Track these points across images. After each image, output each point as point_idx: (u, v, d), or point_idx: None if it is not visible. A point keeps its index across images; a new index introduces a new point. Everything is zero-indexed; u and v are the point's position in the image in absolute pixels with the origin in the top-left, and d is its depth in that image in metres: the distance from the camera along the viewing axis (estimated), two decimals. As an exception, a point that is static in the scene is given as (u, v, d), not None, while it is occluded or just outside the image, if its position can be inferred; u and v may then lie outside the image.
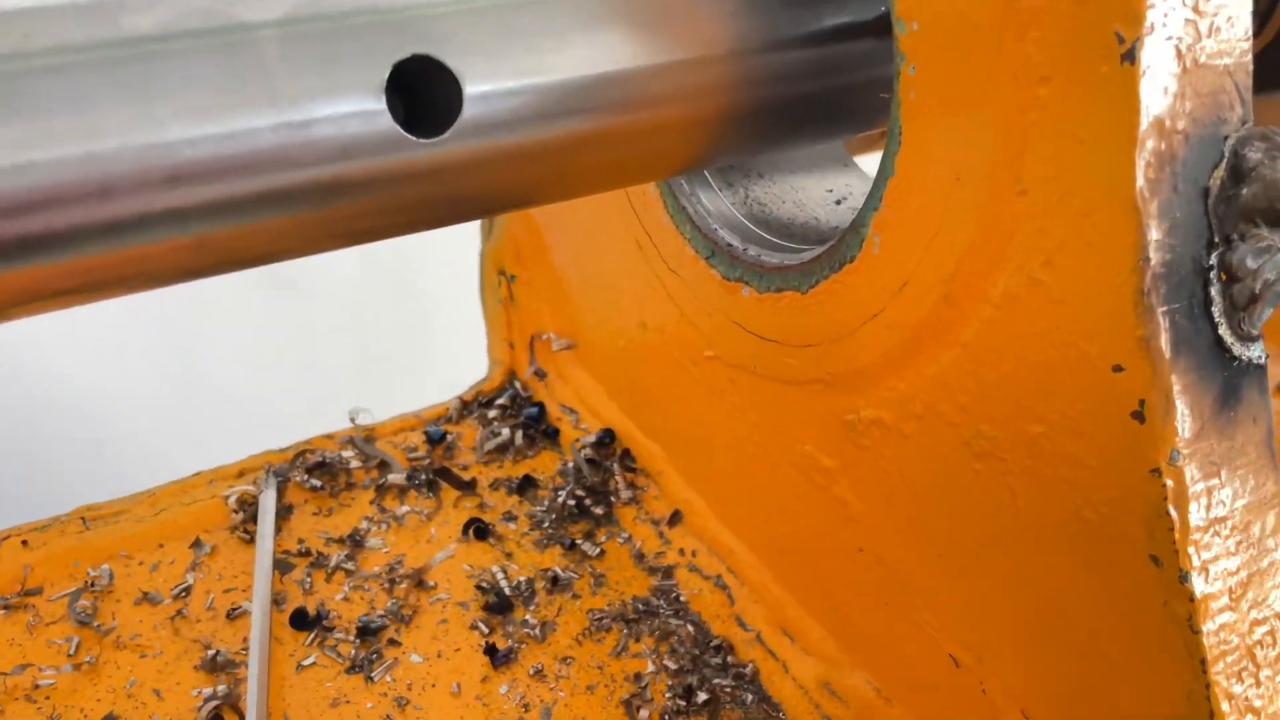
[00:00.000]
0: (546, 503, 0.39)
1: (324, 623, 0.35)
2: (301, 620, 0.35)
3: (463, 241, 0.44)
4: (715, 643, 0.34)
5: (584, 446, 0.40)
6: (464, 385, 0.45)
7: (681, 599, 0.36)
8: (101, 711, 0.32)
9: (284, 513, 0.38)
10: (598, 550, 0.38)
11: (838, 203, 0.35)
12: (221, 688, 0.32)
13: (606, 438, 0.41)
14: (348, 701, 0.32)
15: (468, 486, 0.40)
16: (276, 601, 0.35)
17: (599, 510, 0.39)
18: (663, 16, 0.25)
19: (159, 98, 0.20)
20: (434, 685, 0.33)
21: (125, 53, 0.20)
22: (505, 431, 0.42)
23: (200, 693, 0.32)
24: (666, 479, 0.39)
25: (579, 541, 0.38)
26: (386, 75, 0.21)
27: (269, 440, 0.40)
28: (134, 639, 0.34)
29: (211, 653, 0.33)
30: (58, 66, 0.19)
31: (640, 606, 0.36)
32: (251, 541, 0.37)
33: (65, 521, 0.37)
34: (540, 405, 0.43)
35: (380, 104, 0.21)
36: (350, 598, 0.36)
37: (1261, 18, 0.37)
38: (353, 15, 0.22)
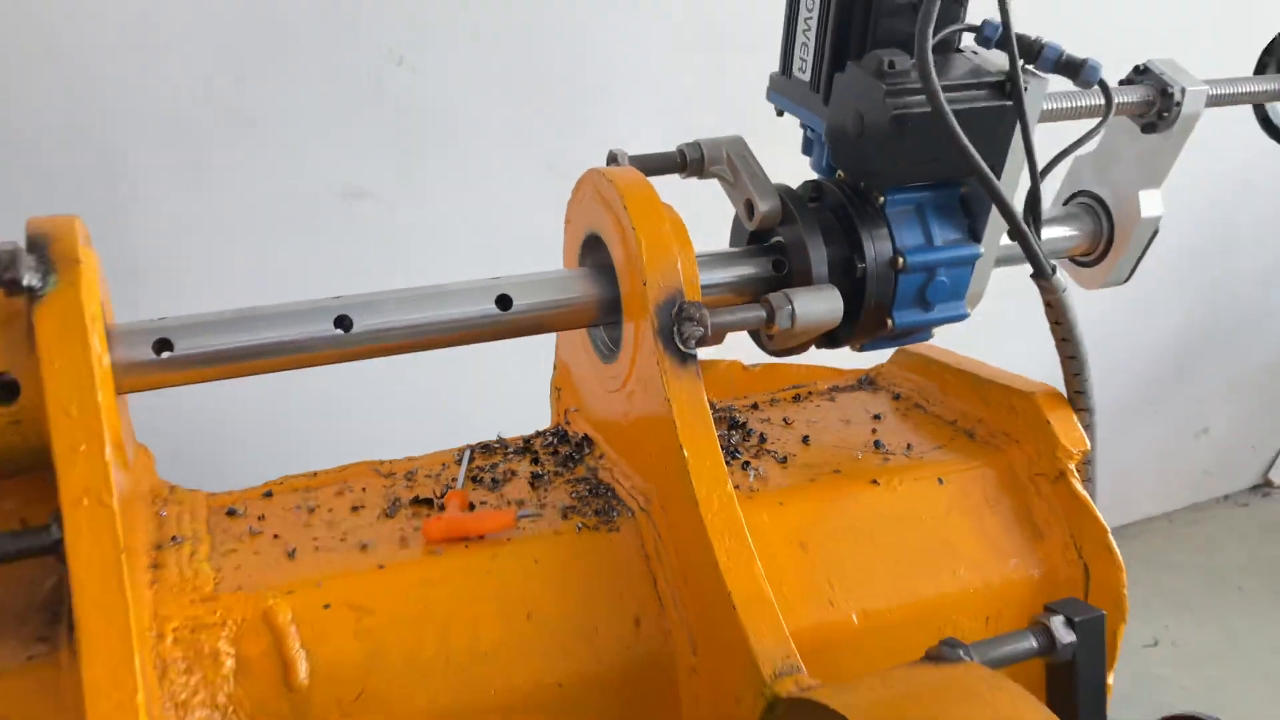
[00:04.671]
0: (567, 460, 1.04)
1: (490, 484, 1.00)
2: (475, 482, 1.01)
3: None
4: (605, 487, 0.98)
5: (582, 440, 1.06)
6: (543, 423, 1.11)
7: (599, 476, 1.00)
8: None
9: (470, 474, 1.05)
10: (575, 468, 1.02)
11: (647, 345, 1.01)
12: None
13: (586, 441, 1.06)
14: (486, 503, 0.97)
15: (541, 463, 1.06)
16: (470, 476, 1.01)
17: (577, 457, 1.04)
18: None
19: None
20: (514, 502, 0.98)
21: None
22: (554, 439, 1.08)
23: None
24: (599, 444, 1.04)
25: (582, 471, 1.03)
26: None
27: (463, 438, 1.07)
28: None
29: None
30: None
31: (590, 485, 1.00)
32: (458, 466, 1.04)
33: (348, 470, 1.05)
34: (565, 432, 1.09)
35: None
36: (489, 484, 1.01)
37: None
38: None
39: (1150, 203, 1.07)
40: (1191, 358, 3.27)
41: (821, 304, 0.91)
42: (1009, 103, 0.91)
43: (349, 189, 2.01)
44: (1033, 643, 0.76)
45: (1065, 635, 0.76)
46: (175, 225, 1.84)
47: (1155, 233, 1.10)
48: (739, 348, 1.12)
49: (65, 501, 0.70)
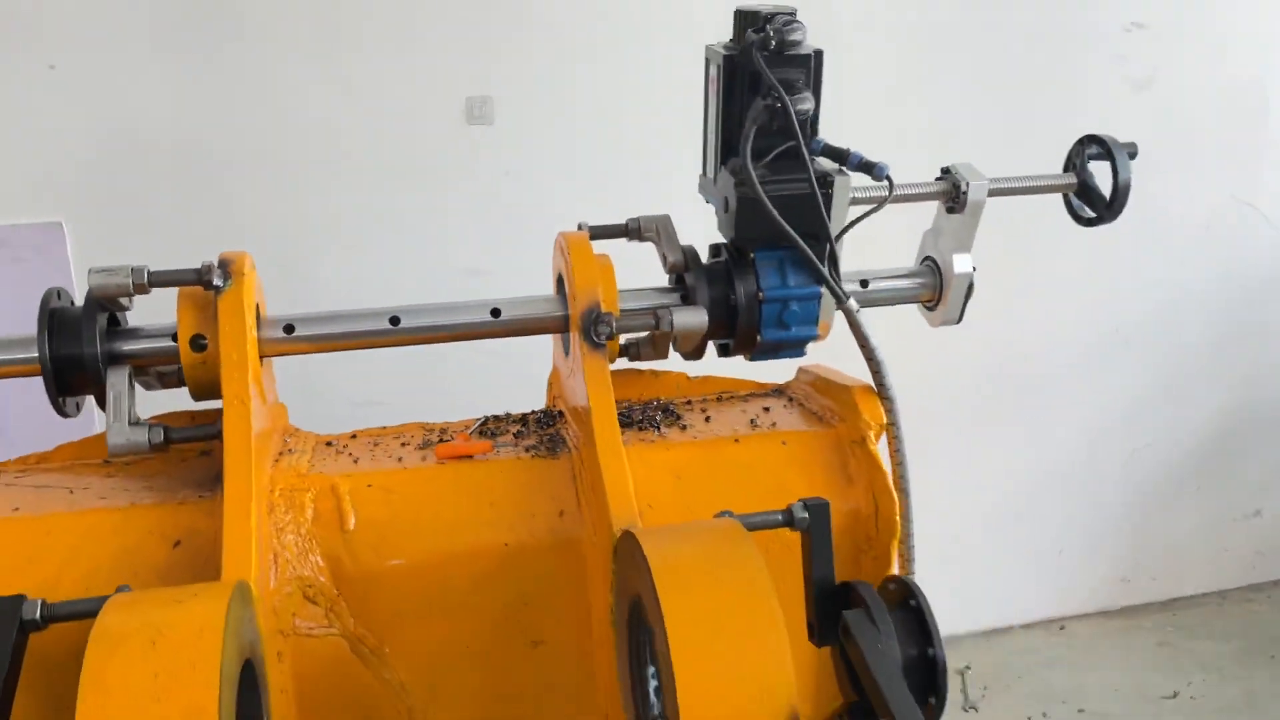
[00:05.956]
0: (548, 424, 1.53)
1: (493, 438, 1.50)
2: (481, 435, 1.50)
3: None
4: (557, 426, 1.46)
5: (557, 414, 1.54)
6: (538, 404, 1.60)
7: (561, 433, 1.47)
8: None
9: (481, 429, 1.55)
10: (549, 429, 1.50)
11: (597, 348, 1.49)
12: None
13: (560, 415, 1.54)
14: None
15: (527, 425, 1.54)
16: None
17: (551, 424, 1.52)
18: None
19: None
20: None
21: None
22: (542, 415, 1.57)
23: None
24: (566, 415, 1.51)
25: (550, 430, 1.51)
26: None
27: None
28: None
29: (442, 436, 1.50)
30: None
31: (550, 437, 1.48)
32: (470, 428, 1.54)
33: (407, 426, 1.56)
34: (551, 410, 1.57)
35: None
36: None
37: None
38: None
39: (961, 262, 1.49)
40: (1237, 442, 3.45)
41: (691, 316, 1.38)
42: (825, 189, 1.37)
43: (468, 269, 2.60)
44: (779, 517, 1.18)
45: (800, 513, 1.17)
46: (340, 289, 2.46)
47: (971, 285, 1.51)
48: (696, 367, 1.58)
49: (225, 402, 1.25)
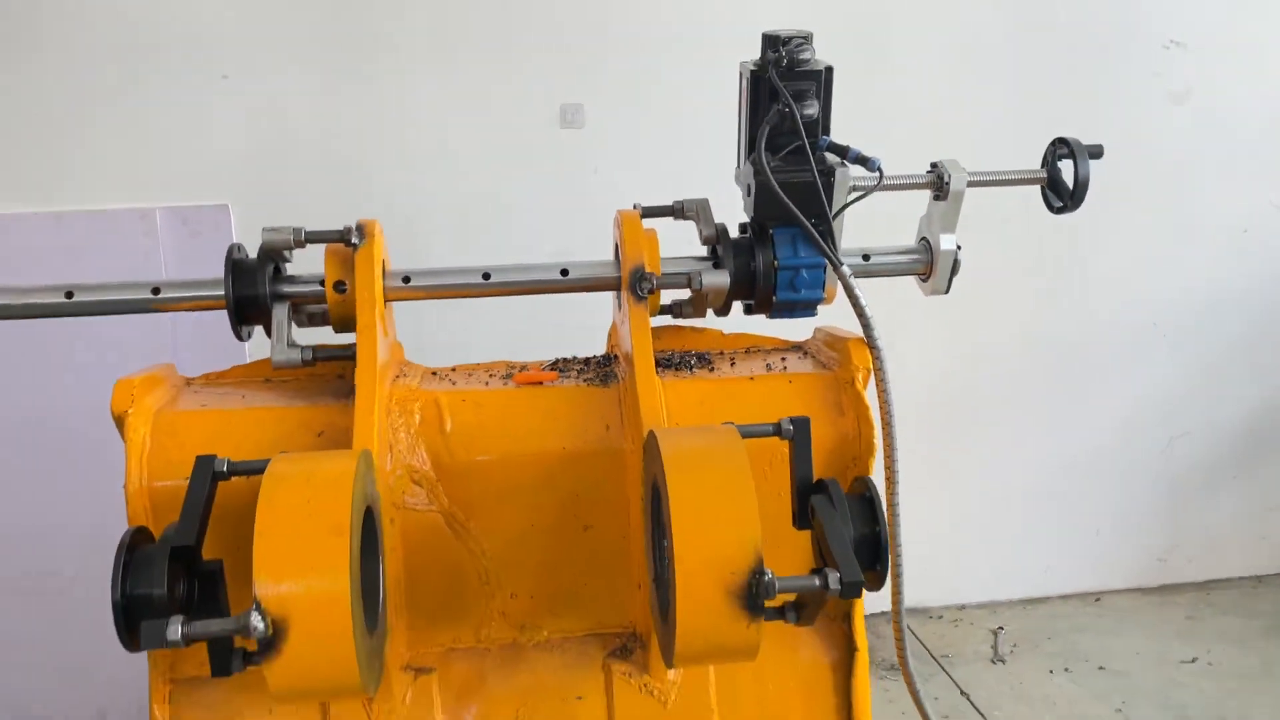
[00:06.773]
0: (605, 365, 1.88)
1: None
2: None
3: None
4: (612, 367, 1.81)
5: (613, 357, 1.89)
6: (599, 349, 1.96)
7: (615, 371, 1.82)
8: (520, 374, 1.85)
9: (552, 366, 1.91)
10: (605, 368, 1.85)
11: (645, 304, 1.83)
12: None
13: (615, 358, 1.89)
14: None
15: (589, 364, 1.90)
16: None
17: (608, 364, 1.87)
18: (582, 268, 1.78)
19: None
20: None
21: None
22: (601, 359, 1.92)
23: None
24: (620, 358, 1.86)
25: (606, 369, 1.86)
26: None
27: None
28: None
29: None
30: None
31: (605, 374, 1.83)
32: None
33: (495, 363, 1.92)
34: (609, 355, 1.92)
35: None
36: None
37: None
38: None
39: (947, 241, 1.79)
40: (1275, 436, 3.59)
41: (717, 277, 1.71)
42: (826, 178, 1.68)
43: (557, 250, 2.97)
44: (770, 428, 1.50)
45: (787, 425, 1.50)
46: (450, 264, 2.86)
47: (956, 261, 1.80)
48: (733, 326, 1.91)
49: (359, 330, 1.63)
